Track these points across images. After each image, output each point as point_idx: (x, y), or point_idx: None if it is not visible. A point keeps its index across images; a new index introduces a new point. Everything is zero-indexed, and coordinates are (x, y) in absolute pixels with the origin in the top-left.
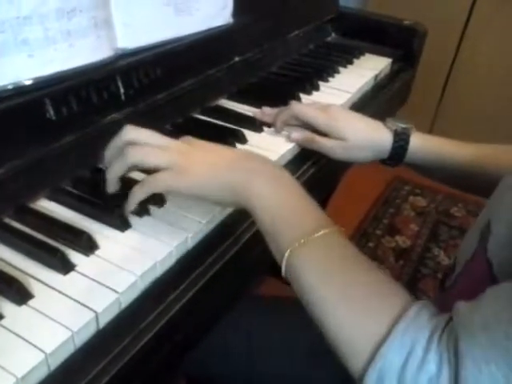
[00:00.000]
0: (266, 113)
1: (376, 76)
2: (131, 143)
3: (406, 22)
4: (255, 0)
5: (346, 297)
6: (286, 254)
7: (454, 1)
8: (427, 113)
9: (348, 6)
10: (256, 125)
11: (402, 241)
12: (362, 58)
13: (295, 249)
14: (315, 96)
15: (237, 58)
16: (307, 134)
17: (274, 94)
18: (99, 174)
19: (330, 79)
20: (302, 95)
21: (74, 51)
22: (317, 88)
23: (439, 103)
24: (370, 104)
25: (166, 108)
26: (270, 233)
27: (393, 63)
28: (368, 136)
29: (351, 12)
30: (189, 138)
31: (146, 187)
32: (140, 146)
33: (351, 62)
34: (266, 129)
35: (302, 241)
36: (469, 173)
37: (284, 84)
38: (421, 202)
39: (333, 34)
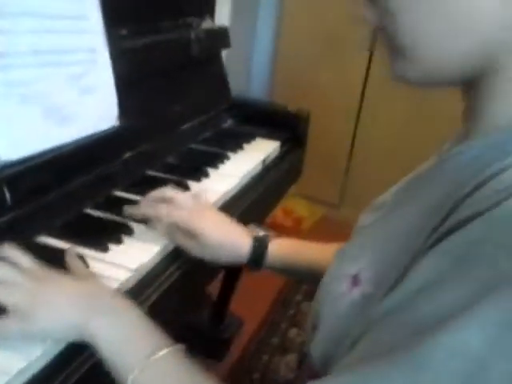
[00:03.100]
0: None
1: (264, 160)
2: None
3: (290, 109)
4: (144, 100)
5: None
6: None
7: (346, 89)
8: (337, 175)
9: (241, 95)
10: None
11: None
12: (253, 142)
13: (135, 377)
14: (204, 183)
15: (128, 154)
16: (169, 229)
17: (165, 184)
18: None
19: (220, 166)
20: (191, 183)
21: None
22: (206, 175)
23: (348, 165)
24: (258, 186)
25: (57, 206)
26: (113, 366)
27: (282, 145)
28: (226, 237)
29: (244, 100)
30: (39, 271)
31: None
32: None
33: (242, 148)
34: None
35: (138, 369)
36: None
37: (176, 173)
38: None
39: (229, 121)
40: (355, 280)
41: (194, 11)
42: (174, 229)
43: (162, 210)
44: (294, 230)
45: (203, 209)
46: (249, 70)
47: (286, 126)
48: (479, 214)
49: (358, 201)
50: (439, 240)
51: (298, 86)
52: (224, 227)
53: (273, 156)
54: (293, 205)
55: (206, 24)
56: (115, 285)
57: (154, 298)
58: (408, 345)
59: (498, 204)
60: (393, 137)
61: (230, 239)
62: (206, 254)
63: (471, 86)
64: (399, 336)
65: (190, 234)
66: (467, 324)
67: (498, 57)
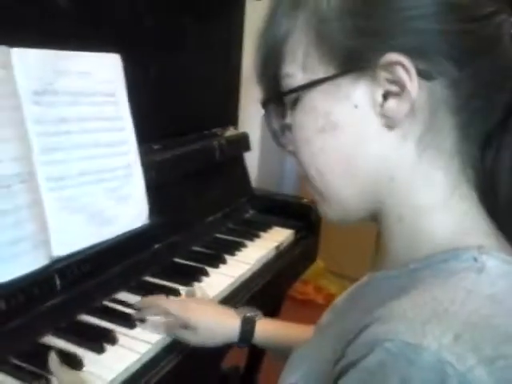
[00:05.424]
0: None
1: (278, 246)
2: None
3: (305, 200)
4: (172, 200)
5: None
6: None
7: None
8: (366, 252)
9: (261, 188)
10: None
11: None
12: (269, 231)
13: None
14: (222, 268)
15: (156, 246)
16: (168, 325)
17: (186, 270)
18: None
19: (237, 253)
20: (209, 269)
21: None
22: (224, 262)
23: (377, 242)
24: (269, 270)
25: (96, 292)
26: None
27: (296, 233)
28: (216, 324)
29: (263, 193)
30: None
31: None
32: None
33: (259, 236)
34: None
35: None
36: None
37: (198, 260)
38: None
39: (250, 211)
40: None
41: (218, 122)
42: (171, 324)
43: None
44: (325, 307)
45: (192, 301)
46: (282, 168)
47: (301, 215)
48: (354, 363)
49: None
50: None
51: None
52: (213, 315)
53: (287, 243)
54: (324, 282)
55: (229, 132)
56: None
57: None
58: None
59: (365, 356)
60: None
61: (220, 325)
62: (201, 341)
63: (378, 223)
64: None
65: (185, 325)
66: None
67: (385, 201)
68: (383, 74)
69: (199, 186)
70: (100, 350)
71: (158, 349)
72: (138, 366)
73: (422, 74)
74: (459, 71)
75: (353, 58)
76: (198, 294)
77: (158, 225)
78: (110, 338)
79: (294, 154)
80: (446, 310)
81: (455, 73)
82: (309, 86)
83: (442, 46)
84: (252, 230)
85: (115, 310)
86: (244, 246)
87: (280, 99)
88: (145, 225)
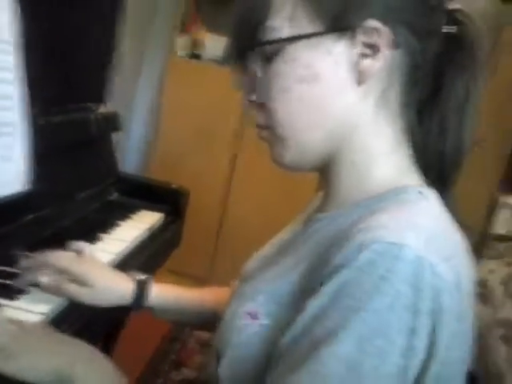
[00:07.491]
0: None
1: (150, 228)
2: None
3: (173, 186)
4: (44, 168)
5: None
6: None
7: (216, 171)
8: (207, 251)
9: (126, 172)
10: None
11: (188, 372)
12: (138, 213)
13: None
14: (99, 245)
15: (31, 216)
16: (54, 282)
17: (61, 247)
18: None
19: (111, 232)
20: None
21: None
22: (100, 239)
23: (216, 242)
24: (145, 250)
25: None
26: None
27: (165, 217)
28: (112, 281)
29: (129, 177)
30: (22, 323)
31: None
32: None
33: (130, 218)
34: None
35: None
36: (194, 312)
37: (71, 237)
38: (205, 334)
39: (115, 194)
40: (253, 315)
41: (93, 97)
42: (60, 279)
43: (49, 259)
44: None
45: (86, 258)
46: (126, 148)
47: (168, 200)
48: (343, 265)
49: (225, 276)
50: (320, 285)
51: (172, 168)
52: (108, 272)
53: (157, 225)
54: (161, 278)
55: (102, 109)
56: None
57: None
58: (308, 357)
59: (355, 258)
60: (260, 214)
61: (116, 282)
62: (97, 300)
63: (327, 169)
64: (303, 353)
65: (77, 281)
66: (343, 338)
67: (342, 148)
68: (361, 37)
69: (71, 161)
70: None
71: (48, 318)
72: None
73: (392, 43)
74: (419, 44)
75: (339, 20)
76: (87, 250)
77: (34, 194)
78: None
79: (257, 103)
80: (415, 222)
81: (416, 45)
82: (297, 38)
83: (411, 21)
84: (122, 211)
85: None
86: (117, 225)
87: (252, 51)
88: (22, 192)
